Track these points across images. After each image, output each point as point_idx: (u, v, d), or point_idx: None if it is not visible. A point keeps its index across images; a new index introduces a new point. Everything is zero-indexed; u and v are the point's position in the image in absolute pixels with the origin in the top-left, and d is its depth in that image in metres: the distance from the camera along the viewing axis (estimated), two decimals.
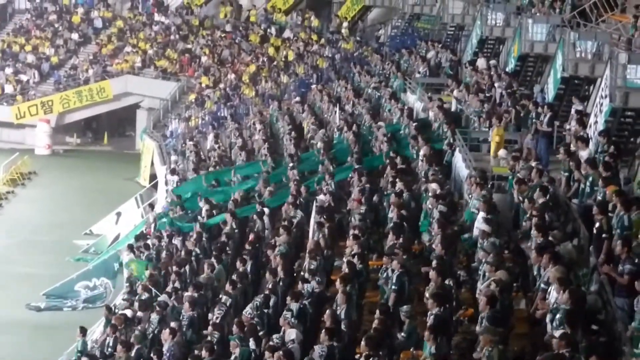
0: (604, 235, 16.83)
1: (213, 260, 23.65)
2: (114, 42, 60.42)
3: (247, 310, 19.08)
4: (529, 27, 32.30)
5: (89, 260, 35.95)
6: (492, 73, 32.54)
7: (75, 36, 61.65)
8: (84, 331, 23.55)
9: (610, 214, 17.02)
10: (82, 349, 22.95)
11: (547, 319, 14.87)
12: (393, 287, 17.22)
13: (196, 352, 18.65)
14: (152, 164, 48.03)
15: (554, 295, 15.07)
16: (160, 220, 31.05)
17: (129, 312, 23.11)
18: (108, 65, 58.51)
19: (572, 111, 26.93)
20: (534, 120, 25.60)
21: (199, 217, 28.71)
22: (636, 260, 15.22)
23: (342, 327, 16.68)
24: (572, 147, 22.17)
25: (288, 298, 18.44)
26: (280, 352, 16.00)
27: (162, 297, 22.96)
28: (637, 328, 13.81)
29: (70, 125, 58.09)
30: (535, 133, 25.29)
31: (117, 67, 57.98)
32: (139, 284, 26.36)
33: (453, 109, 30.82)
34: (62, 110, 56.70)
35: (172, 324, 20.17)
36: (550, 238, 17.34)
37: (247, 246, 24.36)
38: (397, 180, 23.19)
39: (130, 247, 29.84)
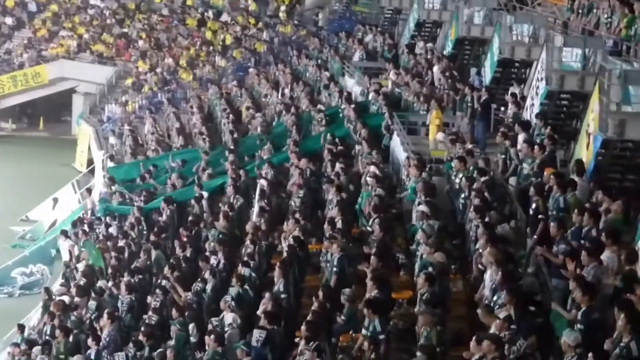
0: (539, 217, 16.99)
1: (150, 245, 23.53)
2: (49, 27, 59.64)
3: (188, 295, 18.99)
4: (465, 11, 32.46)
5: (26, 246, 35.53)
6: (429, 56, 32.65)
7: (9, 20, 60.71)
8: (22, 328, 23.21)
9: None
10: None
11: (486, 300, 14.96)
12: (334, 269, 17.29)
13: (135, 338, 18.53)
14: (89, 149, 47.60)
15: (490, 276, 15.15)
16: (100, 206, 30.80)
17: (66, 298, 22.86)
18: (43, 50, 57.74)
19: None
20: (469, 104, 25.73)
21: (135, 201, 28.48)
22: (570, 241, 15.39)
23: (283, 304, 16.69)
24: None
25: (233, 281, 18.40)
26: (212, 336, 16.02)
27: (100, 283, 22.76)
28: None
29: (6, 110, 57.28)
30: (471, 117, 25.41)
31: (53, 52, 57.26)
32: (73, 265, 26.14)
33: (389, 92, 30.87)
34: None
35: (110, 309, 20.00)
36: (487, 219, 17.45)
37: (183, 231, 24.19)
38: (336, 163, 23.22)
39: (64, 233, 29.53)
